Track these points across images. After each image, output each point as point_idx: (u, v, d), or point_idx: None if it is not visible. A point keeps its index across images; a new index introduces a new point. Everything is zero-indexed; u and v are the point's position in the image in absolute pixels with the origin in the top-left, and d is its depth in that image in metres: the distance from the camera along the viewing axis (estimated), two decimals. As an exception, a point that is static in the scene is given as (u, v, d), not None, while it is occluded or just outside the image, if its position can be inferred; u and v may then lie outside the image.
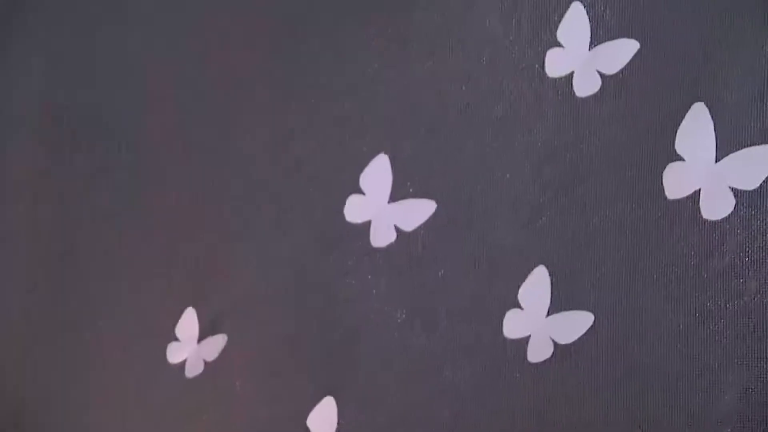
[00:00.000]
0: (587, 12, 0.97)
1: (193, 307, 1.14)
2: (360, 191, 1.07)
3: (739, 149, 0.88)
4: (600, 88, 0.97)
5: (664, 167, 0.93)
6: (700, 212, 0.90)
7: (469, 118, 1.03)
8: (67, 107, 1.29)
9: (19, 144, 1.31)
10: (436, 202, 1.04)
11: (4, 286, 1.27)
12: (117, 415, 1.18)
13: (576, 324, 0.96)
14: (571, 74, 0.98)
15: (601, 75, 0.96)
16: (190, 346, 1.13)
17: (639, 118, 0.95)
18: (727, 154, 0.89)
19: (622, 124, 0.96)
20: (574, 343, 0.96)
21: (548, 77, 1.00)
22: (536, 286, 0.98)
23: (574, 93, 0.98)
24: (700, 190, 0.90)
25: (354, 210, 1.07)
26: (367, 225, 1.06)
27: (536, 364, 0.97)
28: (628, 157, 0.96)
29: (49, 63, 1.29)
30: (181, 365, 1.14)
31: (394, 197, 1.06)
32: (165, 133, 1.21)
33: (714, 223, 0.90)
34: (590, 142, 0.98)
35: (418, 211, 1.04)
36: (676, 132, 0.92)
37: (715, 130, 0.90)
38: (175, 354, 1.14)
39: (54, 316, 1.24)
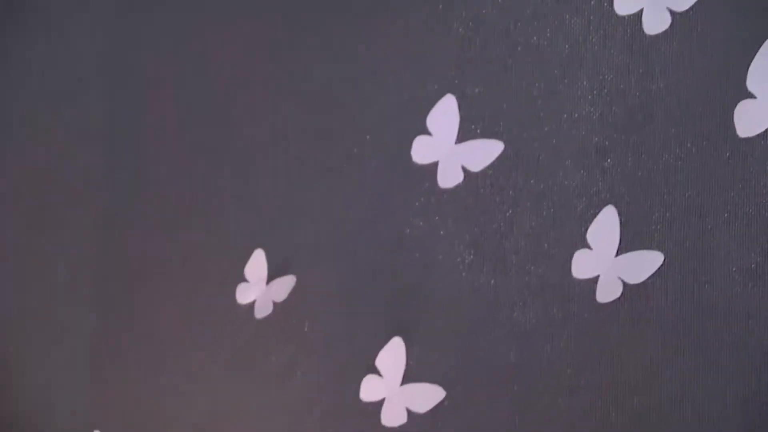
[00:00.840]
0: (657, -53, 0.96)
1: (262, 248, 1.14)
2: (427, 132, 1.07)
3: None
4: (670, 26, 0.95)
5: (735, 105, 0.91)
6: (772, 150, 0.89)
7: (537, 57, 1.02)
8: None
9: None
10: (504, 143, 1.04)
11: (75, 223, 1.29)
12: (186, 357, 1.20)
13: (645, 264, 0.96)
14: (641, 11, 0.97)
15: (671, 12, 0.95)
16: (259, 287, 1.14)
17: (709, 56, 0.94)
18: (800, 91, 0.88)
19: (691, 61, 0.95)
20: (643, 283, 0.96)
21: (617, 15, 0.98)
22: (605, 226, 0.98)
23: (643, 31, 0.97)
24: (772, 127, 0.89)
25: (421, 151, 1.07)
26: (434, 166, 1.06)
27: (605, 305, 0.97)
28: (697, 96, 0.95)
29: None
30: (251, 306, 1.15)
31: (461, 138, 1.05)
32: (234, 72, 1.21)
33: (787, 161, 0.89)
34: (659, 81, 0.97)
35: (485, 152, 1.04)
36: (747, 69, 0.91)
37: (788, 66, 0.88)
38: (244, 295, 1.15)
39: (123, 260, 1.25)
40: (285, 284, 1.13)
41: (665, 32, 0.96)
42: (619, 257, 0.97)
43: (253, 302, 1.15)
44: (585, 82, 1.00)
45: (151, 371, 1.21)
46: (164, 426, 1.19)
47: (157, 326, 1.21)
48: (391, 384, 1.07)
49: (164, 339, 1.21)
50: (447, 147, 1.06)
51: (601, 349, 0.97)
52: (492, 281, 1.03)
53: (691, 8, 0.94)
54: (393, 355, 1.07)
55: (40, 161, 1.33)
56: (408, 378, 1.06)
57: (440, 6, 1.08)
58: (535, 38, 1.03)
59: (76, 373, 1.25)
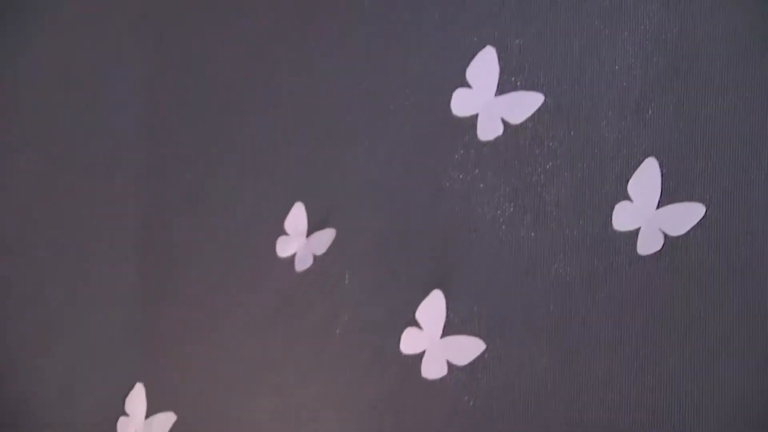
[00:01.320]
0: None
1: (302, 201, 1.15)
2: (466, 85, 1.06)
3: None
4: (712, -25, 0.94)
5: (779, 55, 0.91)
6: (817, 100, 0.89)
7: (577, 8, 1.02)
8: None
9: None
10: (544, 95, 1.03)
11: (117, 176, 1.29)
12: (226, 309, 1.20)
13: (687, 216, 0.95)
14: (683, -39, 0.96)
15: (714, -39, 0.94)
16: (299, 240, 1.15)
17: (751, 4, 0.93)
18: None
19: (732, 10, 0.94)
20: (684, 235, 0.95)
21: (658, -36, 0.98)
22: (646, 178, 0.97)
23: (684, -21, 0.96)
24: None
25: (461, 103, 1.07)
26: (473, 119, 1.06)
27: (646, 257, 0.97)
28: (738, 45, 0.94)
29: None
30: (291, 259, 1.16)
31: (501, 90, 1.05)
32: (273, 27, 1.21)
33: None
34: (701, 31, 0.96)
35: (525, 104, 1.04)
36: (791, 18, 0.90)
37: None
38: (284, 248, 1.16)
39: (165, 214, 1.26)
40: (325, 237, 1.13)
41: (707, -19, 0.95)
42: (661, 209, 0.96)
43: (294, 255, 1.15)
44: (626, 33, 0.99)
45: (193, 325, 1.22)
46: (206, 379, 1.20)
47: (199, 279, 1.22)
48: (431, 337, 1.07)
49: (206, 292, 1.22)
50: (487, 99, 1.05)
51: (642, 302, 0.97)
52: (532, 234, 1.03)
53: (734, -44, 0.93)
54: (433, 308, 1.07)
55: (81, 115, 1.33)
56: (448, 331, 1.07)
57: (480, -43, 1.07)
58: (575, -11, 1.02)
59: (118, 327, 1.26)
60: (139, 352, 1.24)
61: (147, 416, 1.21)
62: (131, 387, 1.22)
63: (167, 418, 1.20)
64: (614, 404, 1.00)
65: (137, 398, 1.22)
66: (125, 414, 1.22)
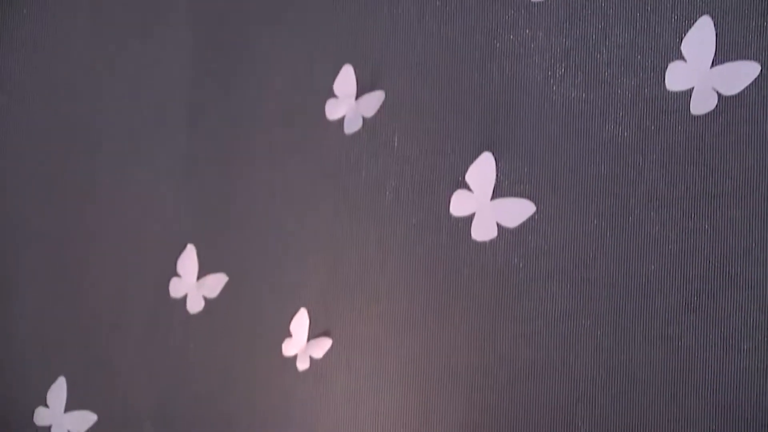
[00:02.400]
0: None
1: (351, 63, 1.14)
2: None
3: None
4: None
5: None
6: None
7: None
8: None
9: None
10: (596, -46, 1.01)
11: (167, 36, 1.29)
12: (276, 172, 1.21)
13: (741, 75, 0.94)
14: None
15: None
16: (348, 102, 1.14)
17: None
18: None
19: None
20: (739, 94, 0.94)
21: None
22: (700, 37, 0.96)
23: None
24: None
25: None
26: (524, -23, 1.05)
27: (700, 117, 0.96)
28: None
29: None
30: (340, 121, 1.15)
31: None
32: None
33: None
34: None
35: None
36: None
37: None
38: (333, 111, 1.16)
39: (215, 71, 1.26)
40: (374, 100, 1.13)
41: None
42: (714, 68, 0.95)
43: (343, 118, 1.15)
44: None
45: (242, 186, 1.23)
46: (257, 242, 1.21)
47: (248, 139, 1.22)
48: (481, 199, 1.08)
49: (255, 153, 1.22)
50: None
51: (694, 161, 0.97)
52: (583, 94, 1.02)
53: None
54: (483, 170, 1.07)
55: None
56: (498, 193, 1.07)
57: None
58: None
59: (169, 187, 1.27)
60: (190, 214, 1.25)
61: (198, 277, 1.23)
62: (183, 248, 1.24)
63: (219, 279, 1.22)
64: (666, 261, 1.00)
65: (188, 259, 1.23)
66: (177, 275, 1.24)
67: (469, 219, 1.08)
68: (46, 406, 1.25)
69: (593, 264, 1.06)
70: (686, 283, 0.99)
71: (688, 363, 1.00)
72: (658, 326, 1.04)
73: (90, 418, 1.24)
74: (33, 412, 1.25)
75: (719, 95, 0.95)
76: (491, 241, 1.10)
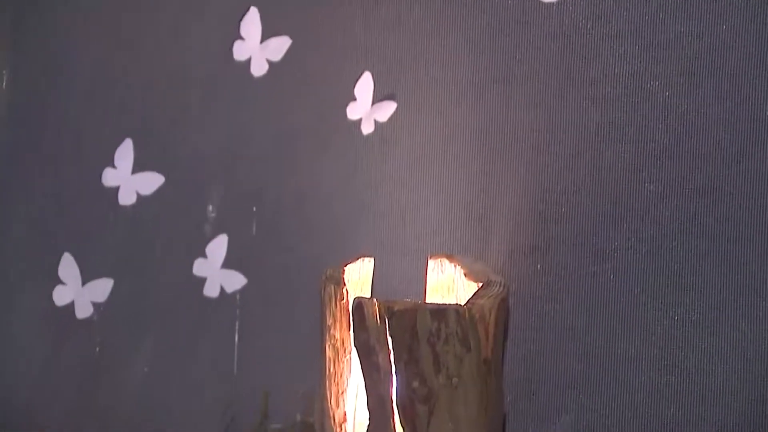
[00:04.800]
0: None
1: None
2: None
3: None
4: None
5: None
6: None
7: None
8: None
9: None
10: None
11: None
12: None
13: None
14: None
15: None
16: None
17: None
18: None
19: None
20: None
21: None
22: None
23: None
24: None
25: None
26: None
27: None
28: None
29: None
30: None
31: None
32: None
33: None
34: None
35: None
36: None
37: None
38: None
39: None
40: None
41: None
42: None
43: None
44: None
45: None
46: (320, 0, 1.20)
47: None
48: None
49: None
50: None
51: None
52: None
53: None
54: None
55: None
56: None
57: None
58: None
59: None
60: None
61: (262, 41, 1.22)
62: (246, 11, 1.23)
63: (282, 42, 1.21)
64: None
65: (251, 23, 1.23)
66: (241, 38, 1.23)
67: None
68: (113, 167, 1.26)
69: (662, 26, 1.04)
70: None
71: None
72: (729, 87, 1.03)
73: (157, 179, 1.25)
74: (101, 174, 1.26)
75: None
76: (558, 2, 1.08)
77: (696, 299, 1.05)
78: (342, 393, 0.99)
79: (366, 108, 1.18)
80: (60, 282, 1.28)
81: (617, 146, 1.08)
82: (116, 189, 1.27)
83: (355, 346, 0.96)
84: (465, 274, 1.02)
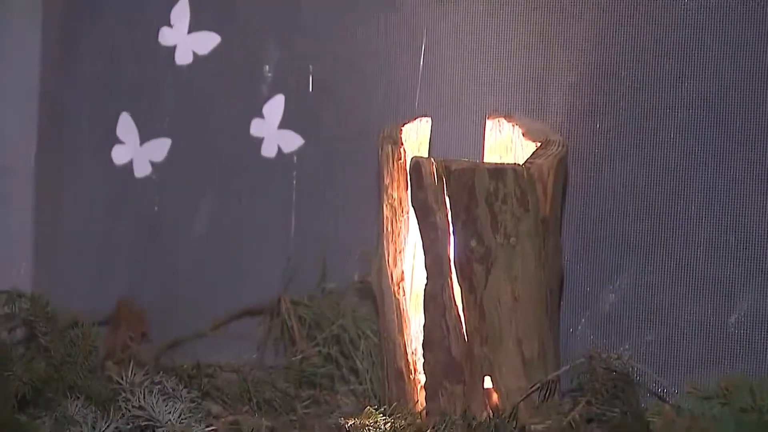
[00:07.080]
0: None
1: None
2: None
3: None
4: None
5: None
6: None
7: None
8: None
9: None
10: None
11: None
12: None
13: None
14: None
15: None
16: None
17: None
18: None
19: None
20: None
21: None
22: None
23: None
24: None
25: None
26: None
27: None
28: None
29: None
30: None
31: None
32: None
33: None
34: None
35: None
36: None
37: None
38: None
39: None
40: None
41: None
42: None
43: None
44: None
45: None
46: None
47: None
48: None
49: None
50: None
51: None
52: None
53: None
54: None
55: None
56: None
57: None
58: None
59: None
60: None
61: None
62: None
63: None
64: None
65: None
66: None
67: None
68: (169, 26, 1.26)
69: None
70: None
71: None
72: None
73: (213, 39, 1.25)
74: (157, 32, 1.26)
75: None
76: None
77: (758, 161, 1.04)
78: (399, 252, 1.00)
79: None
80: (118, 141, 1.29)
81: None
82: (173, 48, 1.26)
83: (412, 205, 0.96)
84: (523, 134, 1.02)
